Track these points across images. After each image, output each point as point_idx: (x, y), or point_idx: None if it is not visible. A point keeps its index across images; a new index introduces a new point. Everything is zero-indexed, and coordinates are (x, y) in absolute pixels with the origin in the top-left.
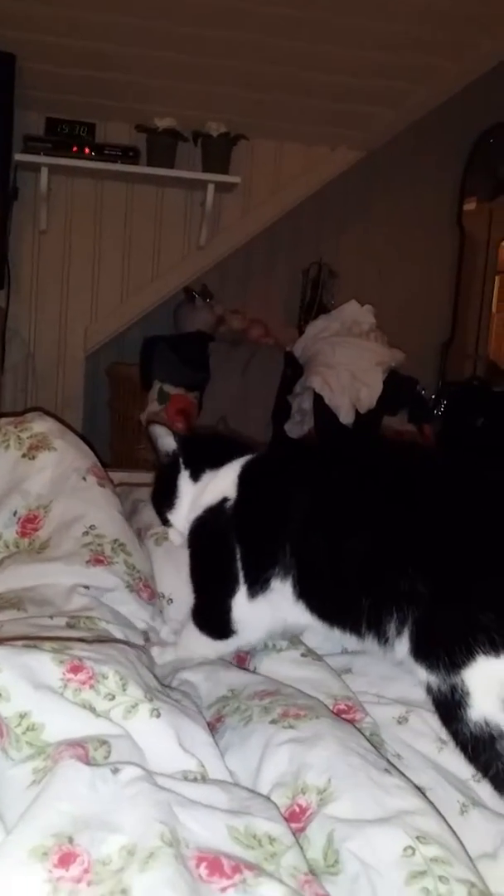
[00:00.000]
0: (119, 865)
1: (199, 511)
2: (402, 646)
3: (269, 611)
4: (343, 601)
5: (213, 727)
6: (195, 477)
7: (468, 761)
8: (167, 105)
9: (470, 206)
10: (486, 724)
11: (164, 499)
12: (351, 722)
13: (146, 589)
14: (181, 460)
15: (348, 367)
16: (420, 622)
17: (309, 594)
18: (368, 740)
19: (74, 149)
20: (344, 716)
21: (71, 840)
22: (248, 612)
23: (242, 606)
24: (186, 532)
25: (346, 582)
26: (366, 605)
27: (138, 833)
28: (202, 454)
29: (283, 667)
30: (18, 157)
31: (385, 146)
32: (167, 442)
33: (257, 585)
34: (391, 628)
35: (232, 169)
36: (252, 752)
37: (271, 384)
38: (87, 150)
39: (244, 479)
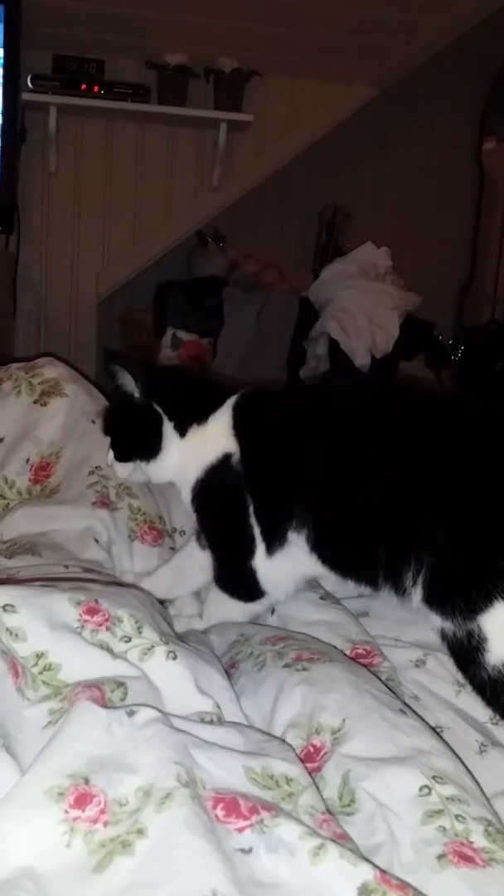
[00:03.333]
0: (135, 806)
1: (195, 471)
2: (417, 594)
3: (290, 564)
4: (358, 551)
5: (227, 674)
6: (182, 431)
7: (486, 704)
8: (178, 40)
9: (490, 144)
10: None
11: (137, 446)
12: (368, 666)
13: (151, 531)
14: (162, 411)
15: (364, 311)
16: (434, 569)
17: (323, 545)
18: (385, 684)
19: (83, 87)
20: (362, 660)
21: (87, 781)
22: (271, 568)
23: (264, 565)
24: (157, 481)
25: (361, 531)
26: (382, 554)
27: (154, 774)
28: (182, 404)
29: (301, 609)
30: (27, 96)
31: (401, 83)
32: (129, 386)
33: (275, 541)
34: (408, 577)
35: (245, 107)
36: (266, 695)
37: (286, 329)
38: (96, 88)
39: (242, 430)
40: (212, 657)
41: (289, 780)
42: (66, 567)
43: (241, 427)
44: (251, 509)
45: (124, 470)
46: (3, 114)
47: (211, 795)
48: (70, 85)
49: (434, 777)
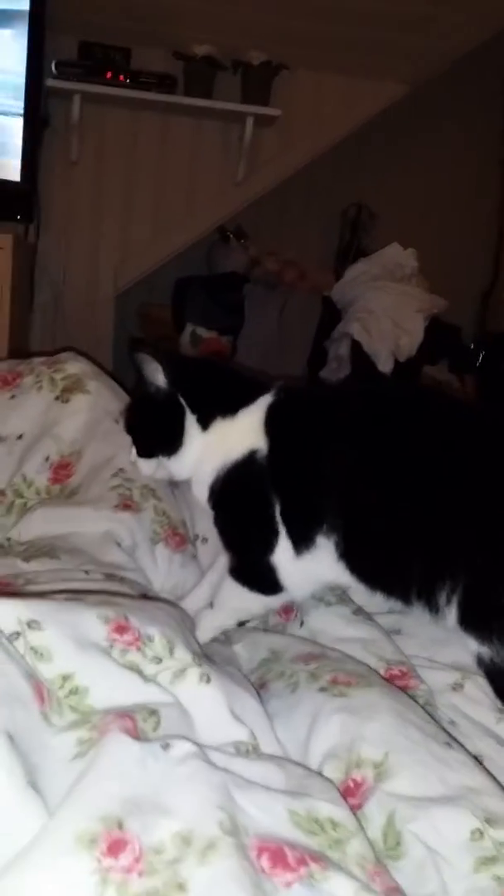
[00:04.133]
0: (174, 855)
1: (217, 466)
2: (452, 614)
3: (314, 566)
4: (390, 564)
5: (257, 693)
6: (204, 424)
7: None
8: (206, 31)
9: None
10: None
11: (159, 440)
12: (404, 689)
13: (174, 536)
14: (185, 403)
15: (389, 313)
16: (471, 590)
17: (353, 554)
18: (425, 710)
19: (108, 75)
20: (397, 682)
21: (121, 825)
22: (294, 568)
23: (287, 563)
24: (179, 478)
25: (394, 543)
26: (416, 569)
27: (193, 818)
28: (209, 397)
29: (332, 624)
30: (50, 82)
31: (430, 82)
32: (156, 375)
33: (302, 542)
34: (442, 596)
35: (272, 101)
36: (300, 721)
37: (308, 329)
38: (121, 77)
39: (273, 427)
40: (243, 679)
41: (335, 825)
42: (87, 573)
43: (273, 425)
44: (276, 508)
45: (147, 467)
46: (25, 100)
47: (255, 844)
48: (95, 72)
49: (486, 819)
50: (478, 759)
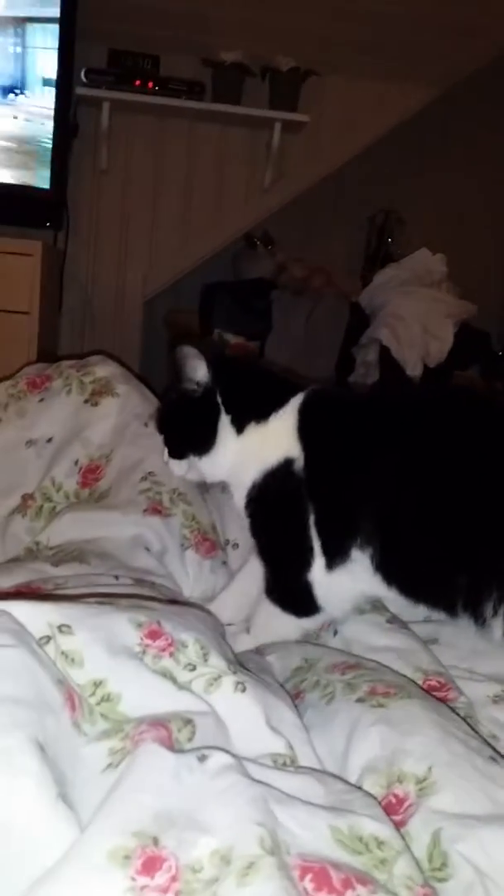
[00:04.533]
0: (212, 874)
1: (254, 473)
2: (499, 626)
3: (350, 582)
4: (432, 575)
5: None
6: (239, 427)
7: None
8: (234, 37)
9: None
10: None
11: (192, 440)
12: (443, 701)
13: (204, 542)
14: (221, 401)
15: (418, 318)
16: None
17: (391, 565)
18: (467, 723)
19: (137, 82)
20: (435, 693)
21: (156, 841)
22: (329, 584)
23: (322, 579)
24: (212, 479)
25: (437, 553)
26: (461, 580)
27: (232, 835)
28: (245, 399)
29: (366, 633)
30: (80, 90)
31: (458, 86)
32: (199, 370)
33: (337, 556)
34: (489, 608)
35: (300, 107)
36: (338, 733)
37: (335, 335)
38: (150, 84)
39: (308, 434)
40: (279, 689)
41: (380, 844)
42: (116, 578)
43: (306, 430)
44: (311, 520)
45: (179, 467)
46: (55, 108)
47: (297, 863)
48: (124, 80)
49: None
50: None
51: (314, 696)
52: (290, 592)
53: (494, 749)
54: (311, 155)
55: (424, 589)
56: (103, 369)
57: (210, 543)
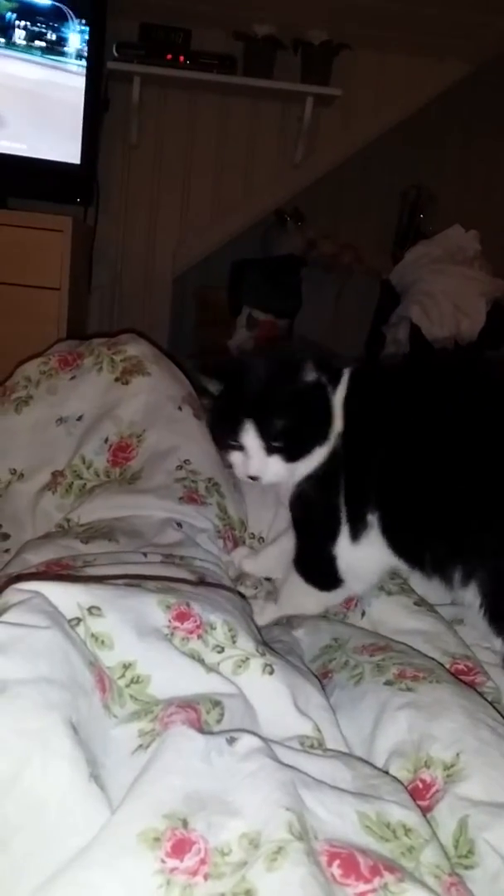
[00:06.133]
0: (240, 857)
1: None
2: (471, 598)
3: (375, 555)
4: (418, 538)
5: (320, 683)
6: None
7: None
8: (267, 11)
9: None
10: None
11: (316, 436)
12: (471, 685)
13: (231, 538)
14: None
15: (449, 296)
16: (494, 581)
17: (390, 529)
18: (495, 708)
19: (168, 56)
20: (463, 677)
21: (185, 824)
22: (354, 557)
23: (346, 551)
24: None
25: (426, 519)
26: (438, 547)
27: (261, 819)
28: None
29: (393, 615)
30: (111, 65)
31: (492, 60)
32: (308, 372)
33: (357, 522)
34: (456, 579)
35: (332, 81)
36: (365, 715)
37: (365, 312)
38: (181, 59)
39: (349, 408)
40: (307, 671)
41: (407, 831)
42: (145, 555)
43: (348, 405)
44: (342, 491)
45: (277, 472)
46: (87, 82)
47: (325, 849)
48: (155, 54)
49: None
50: None
51: (342, 676)
52: (316, 564)
53: None
54: (343, 130)
55: (411, 551)
56: (134, 348)
57: (234, 542)
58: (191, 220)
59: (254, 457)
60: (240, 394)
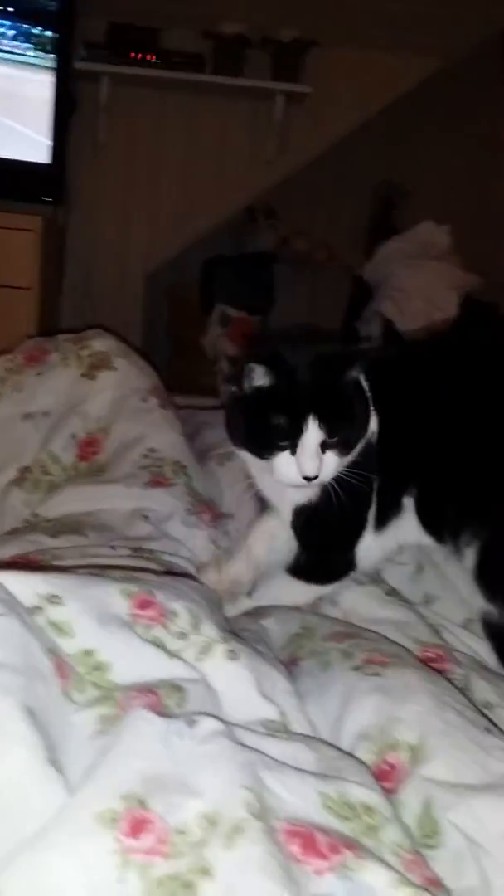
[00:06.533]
0: (198, 837)
1: None
2: (471, 556)
3: (390, 540)
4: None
5: (287, 670)
6: None
7: None
8: (236, 9)
9: None
10: None
11: (363, 429)
12: (440, 672)
13: (208, 511)
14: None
15: (421, 291)
16: (488, 546)
17: (424, 510)
18: (463, 694)
19: (137, 56)
20: (432, 664)
21: (143, 804)
22: (373, 546)
23: (368, 540)
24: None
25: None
26: (458, 519)
27: (220, 799)
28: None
29: (365, 604)
30: (78, 65)
31: (466, 58)
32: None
33: (391, 509)
34: (463, 541)
35: (303, 79)
36: (332, 701)
37: (338, 308)
38: (150, 57)
39: (379, 399)
40: (273, 659)
41: (369, 811)
42: (113, 548)
43: (375, 394)
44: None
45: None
46: (55, 82)
47: (285, 828)
48: (124, 54)
49: None
50: None
51: (311, 663)
52: (335, 560)
53: (490, 720)
54: (314, 127)
55: (434, 524)
56: (101, 343)
57: (213, 513)
58: (162, 218)
59: (312, 455)
60: (295, 387)
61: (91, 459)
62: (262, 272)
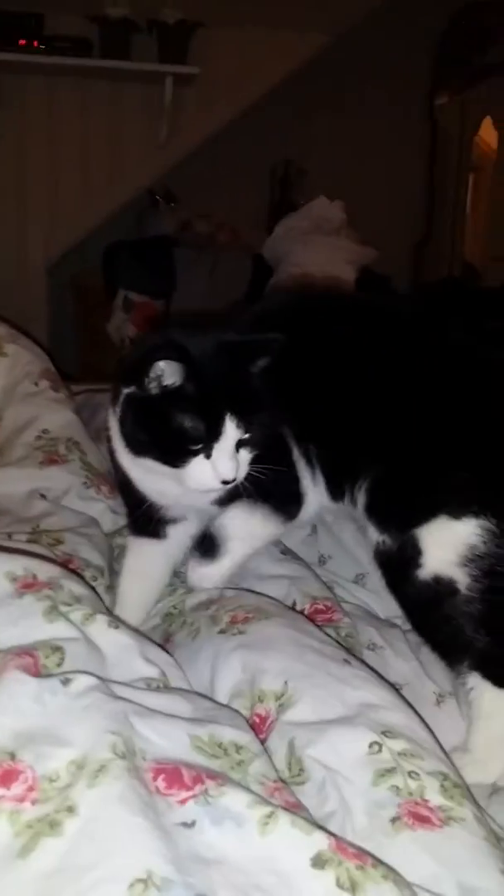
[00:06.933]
0: (67, 781)
1: None
2: (361, 501)
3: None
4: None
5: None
6: None
7: (416, 629)
8: None
9: (442, 100)
10: (437, 582)
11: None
12: (328, 622)
13: (105, 484)
14: None
15: (318, 266)
16: (380, 478)
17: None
18: (344, 640)
19: (22, 42)
20: (321, 616)
21: (13, 756)
22: (310, 493)
23: (307, 485)
24: None
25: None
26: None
27: (89, 746)
28: None
29: (261, 563)
30: None
31: (353, 34)
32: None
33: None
34: (358, 485)
35: (191, 60)
36: (203, 665)
37: (239, 288)
38: (35, 43)
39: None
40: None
41: (238, 748)
42: (9, 536)
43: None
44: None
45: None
46: None
47: (151, 766)
48: (7, 40)
49: (384, 732)
50: (396, 687)
51: (181, 635)
52: (289, 495)
53: (348, 651)
54: (204, 108)
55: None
56: None
57: (110, 486)
58: (60, 205)
59: (230, 456)
60: (206, 384)
61: None
62: (163, 256)
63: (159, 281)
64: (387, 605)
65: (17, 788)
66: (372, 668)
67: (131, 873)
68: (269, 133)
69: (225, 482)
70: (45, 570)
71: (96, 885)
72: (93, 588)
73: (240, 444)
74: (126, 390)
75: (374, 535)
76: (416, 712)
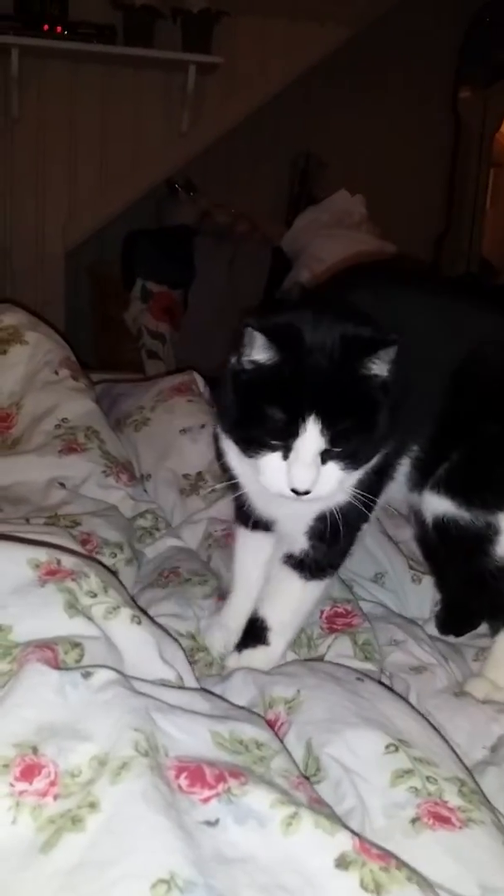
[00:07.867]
0: (89, 777)
1: None
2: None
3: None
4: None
5: None
6: None
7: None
8: None
9: (465, 94)
10: None
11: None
12: (347, 627)
13: (125, 472)
14: None
15: (338, 259)
16: (467, 459)
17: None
18: (362, 648)
19: (46, 27)
20: (340, 620)
21: (35, 750)
22: None
23: None
24: None
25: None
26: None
27: (110, 741)
28: None
29: None
30: None
31: (376, 26)
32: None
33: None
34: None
35: (214, 49)
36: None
37: (259, 280)
38: (59, 29)
39: None
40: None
41: (259, 745)
42: (27, 521)
43: None
44: None
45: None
46: None
47: (174, 764)
48: (32, 25)
49: (399, 740)
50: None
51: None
52: (347, 548)
53: (362, 673)
54: (227, 97)
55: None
56: (10, 317)
57: (129, 474)
58: (79, 192)
59: (306, 464)
60: (301, 374)
61: (5, 434)
62: (182, 245)
63: (178, 270)
64: (405, 604)
65: (39, 783)
66: (387, 686)
67: (154, 872)
68: (289, 125)
69: (296, 491)
70: (69, 559)
71: (118, 882)
72: (114, 573)
73: (329, 456)
74: (232, 359)
75: (443, 508)
76: (431, 724)
